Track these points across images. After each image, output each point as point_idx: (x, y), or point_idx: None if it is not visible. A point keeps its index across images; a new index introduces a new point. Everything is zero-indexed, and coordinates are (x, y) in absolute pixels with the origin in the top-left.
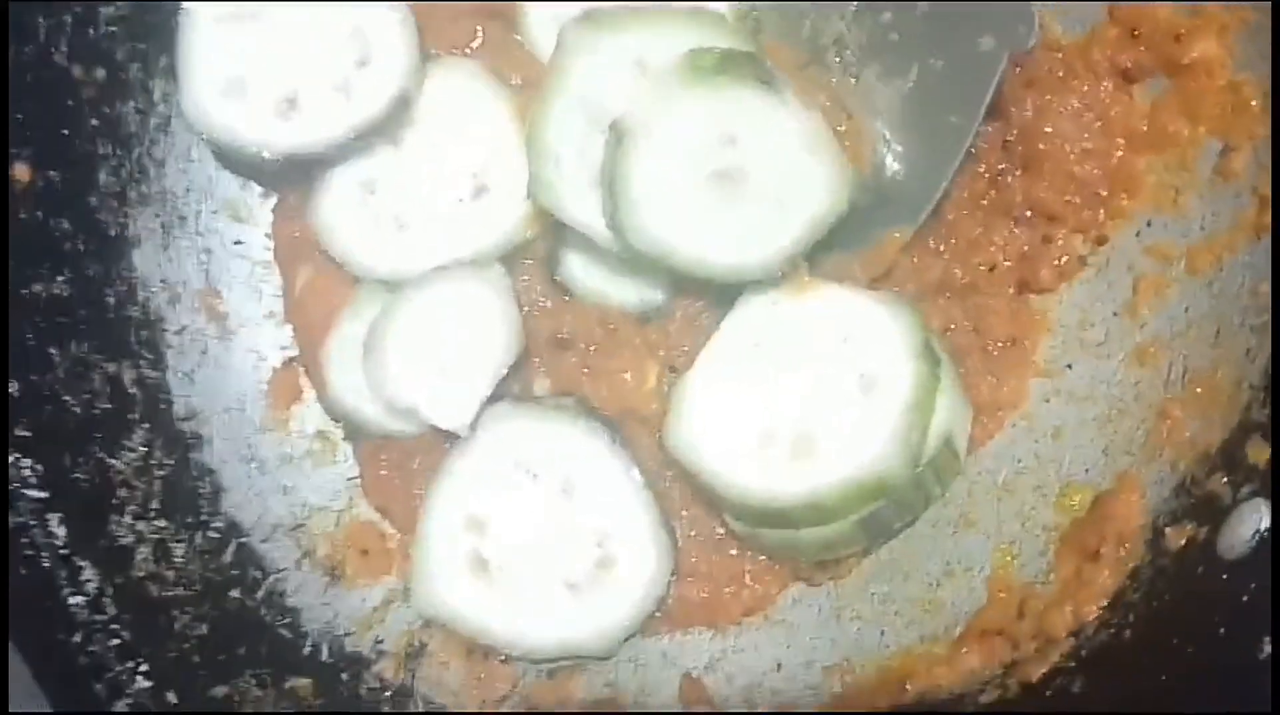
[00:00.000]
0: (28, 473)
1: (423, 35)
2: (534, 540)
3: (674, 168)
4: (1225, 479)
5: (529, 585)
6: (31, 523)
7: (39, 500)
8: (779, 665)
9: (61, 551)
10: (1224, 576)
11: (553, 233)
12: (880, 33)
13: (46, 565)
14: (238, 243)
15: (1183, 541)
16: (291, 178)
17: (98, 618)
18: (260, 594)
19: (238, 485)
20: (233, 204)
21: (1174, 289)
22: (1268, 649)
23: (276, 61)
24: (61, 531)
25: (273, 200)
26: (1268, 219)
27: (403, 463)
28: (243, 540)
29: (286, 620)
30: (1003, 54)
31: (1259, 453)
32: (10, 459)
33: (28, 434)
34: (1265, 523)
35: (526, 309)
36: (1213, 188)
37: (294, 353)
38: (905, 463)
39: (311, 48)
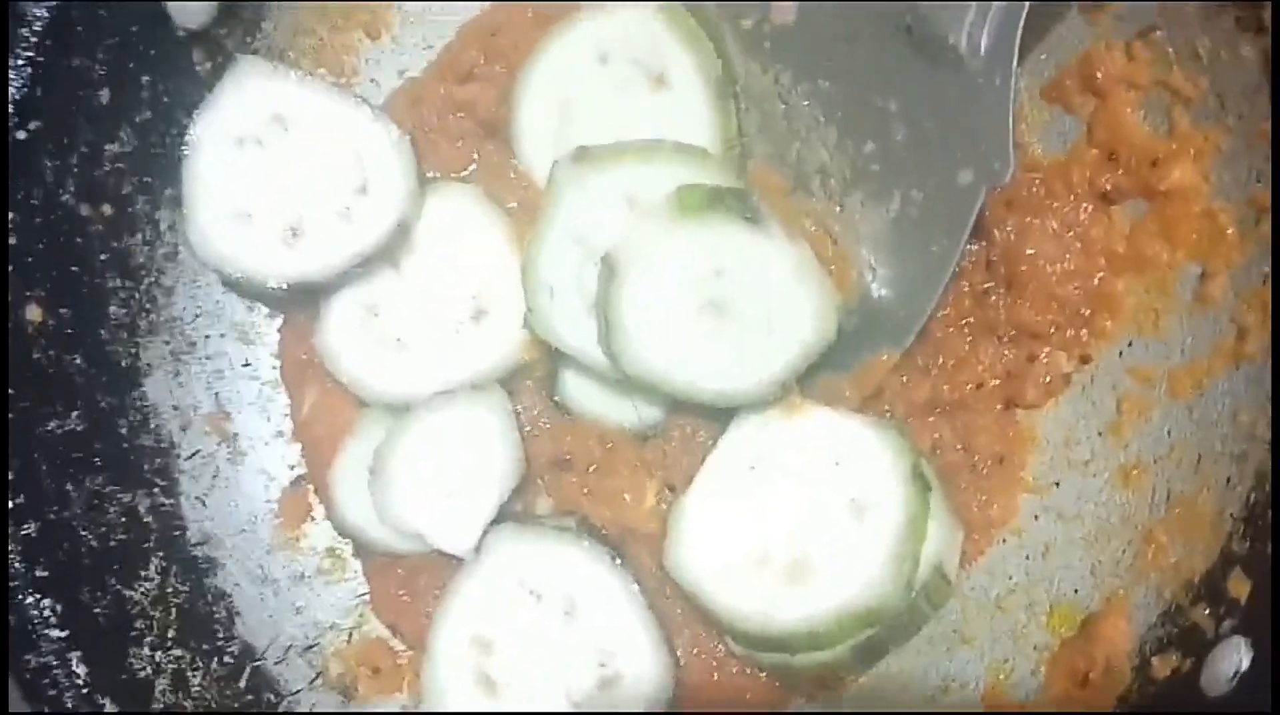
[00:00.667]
0: (48, 612)
1: (421, 160)
2: (538, 659)
3: (665, 299)
4: (1208, 611)
5: (535, 702)
6: (54, 664)
7: (60, 639)
8: None
9: (83, 690)
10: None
11: (551, 356)
12: (863, 162)
13: (70, 704)
14: (246, 364)
15: (1168, 672)
16: (297, 301)
17: None
18: None
19: (251, 608)
20: (240, 326)
21: (1157, 411)
22: None
23: (280, 189)
24: (82, 670)
25: (279, 321)
26: (1246, 348)
27: (410, 580)
28: (257, 663)
29: None
30: (981, 187)
31: (1240, 586)
32: (31, 599)
33: (47, 574)
34: (1245, 663)
35: (528, 429)
36: (1191, 312)
37: (303, 471)
38: (898, 590)
39: (314, 175)
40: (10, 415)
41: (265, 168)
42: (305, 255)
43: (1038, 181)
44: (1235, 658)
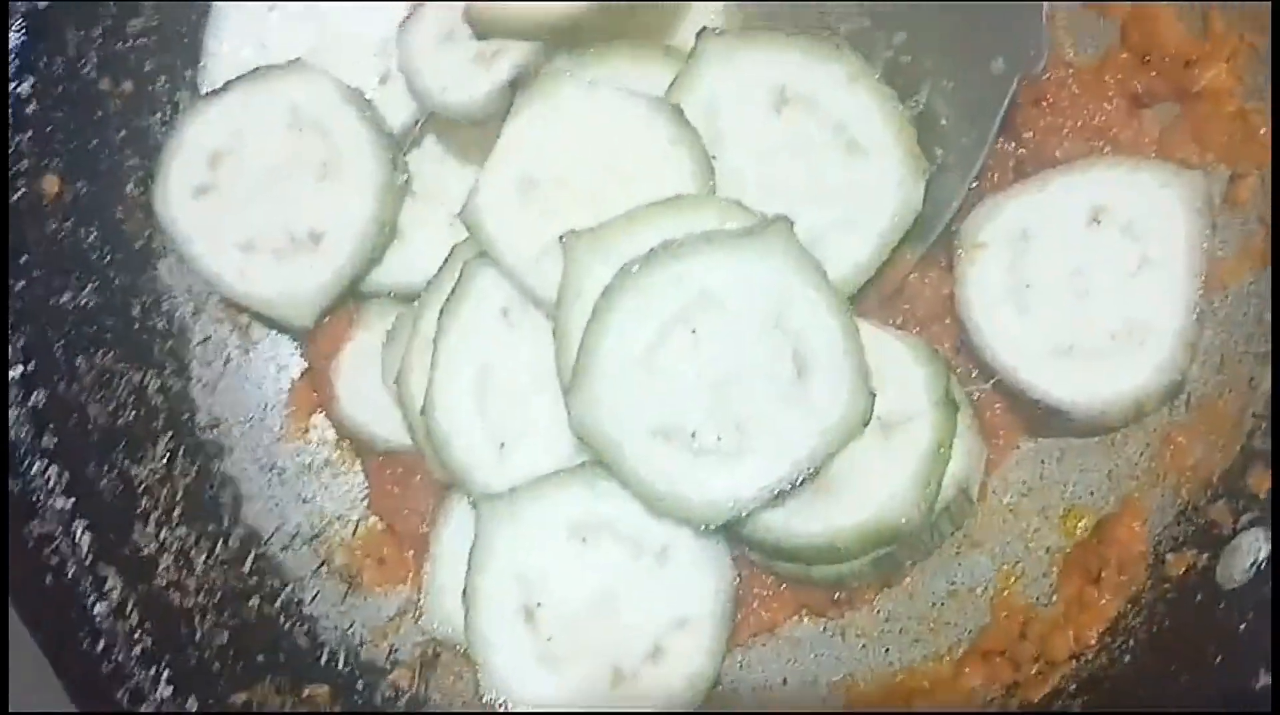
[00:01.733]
0: (53, 481)
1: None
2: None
3: None
4: (1227, 507)
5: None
6: (57, 531)
7: (64, 508)
8: (784, 680)
9: (86, 560)
10: (1222, 606)
11: None
12: (892, 55)
13: (72, 573)
14: None
15: (1183, 569)
16: None
17: (121, 625)
18: (279, 602)
19: (258, 494)
20: None
21: None
22: (1264, 679)
23: None
24: (86, 540)
25: None
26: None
27: (408, 477)
28: (262, 549)
29: (304, 628)
30: (1014, 77)
31: (1260, 481)
32: (37, 466)
33: (54, 441)
34: (1264, 553)
35: None
36: (1220, 215)
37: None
38: (921, 510)
39: None
40: (22, 282)
41: None
42: None
43: (1070, 80)
44: (1255, 548)
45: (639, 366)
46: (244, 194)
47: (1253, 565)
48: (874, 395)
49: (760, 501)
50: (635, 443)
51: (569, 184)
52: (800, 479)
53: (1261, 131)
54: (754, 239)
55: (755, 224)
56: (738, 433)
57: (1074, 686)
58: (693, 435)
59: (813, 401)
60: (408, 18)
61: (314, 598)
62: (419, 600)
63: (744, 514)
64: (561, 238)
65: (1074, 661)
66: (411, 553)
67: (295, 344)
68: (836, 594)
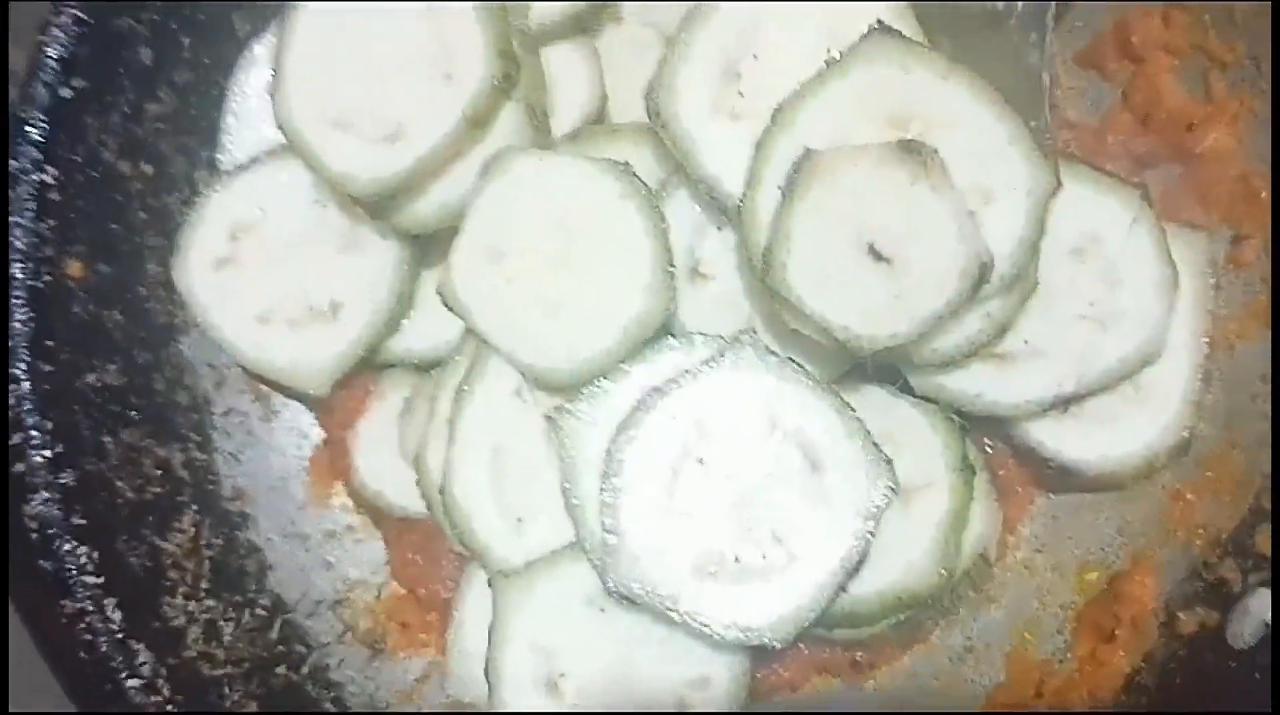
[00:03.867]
0: (84, 559)
1: None
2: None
3: None
4: (1235, 565)
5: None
6: (90, 609)
7: (96, 585)
8: None
9: (118, 635)
10: (1232, 665)
11: None
12: None
13: (104, 649)
14: None
15: (1194, 627)
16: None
17: (154, 699)
18: (305, 669)
19: (283, 562)
20: None
21: None
22: None
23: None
24: (117, 616)
25: None
26: None
27: (428, 545)
28: (288, 616)
29: (331, 695)
30: None
31: (1267, 541)
32: (68, 546)
33: (84, 521)
34: (1269, 615)
35: None
36: (1225, 275)
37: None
38: (941, 576)
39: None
40: (49, 366)
41: None
42: None
43: (1073, 143)
44: (1261, 609)
45: (663, 514)
46: (264, 265)
47: (1261, 626)
48: (890, 462)
49: (819, 607)
50: (684, 586)
51: (532, 250)
52: (849, 572)
53: (1263, 194)
54: (726, 357)
55: (721, 343)
56: (777, 543)
57: None
58: (736, 560)
59: (834, 491)
60: None
61: (339, 664)
62: (443, 664)
63: (807, 624)
64: (548, 418)
65: None
66: (434, 616)
67: (314, 414)
68: (857, 655)
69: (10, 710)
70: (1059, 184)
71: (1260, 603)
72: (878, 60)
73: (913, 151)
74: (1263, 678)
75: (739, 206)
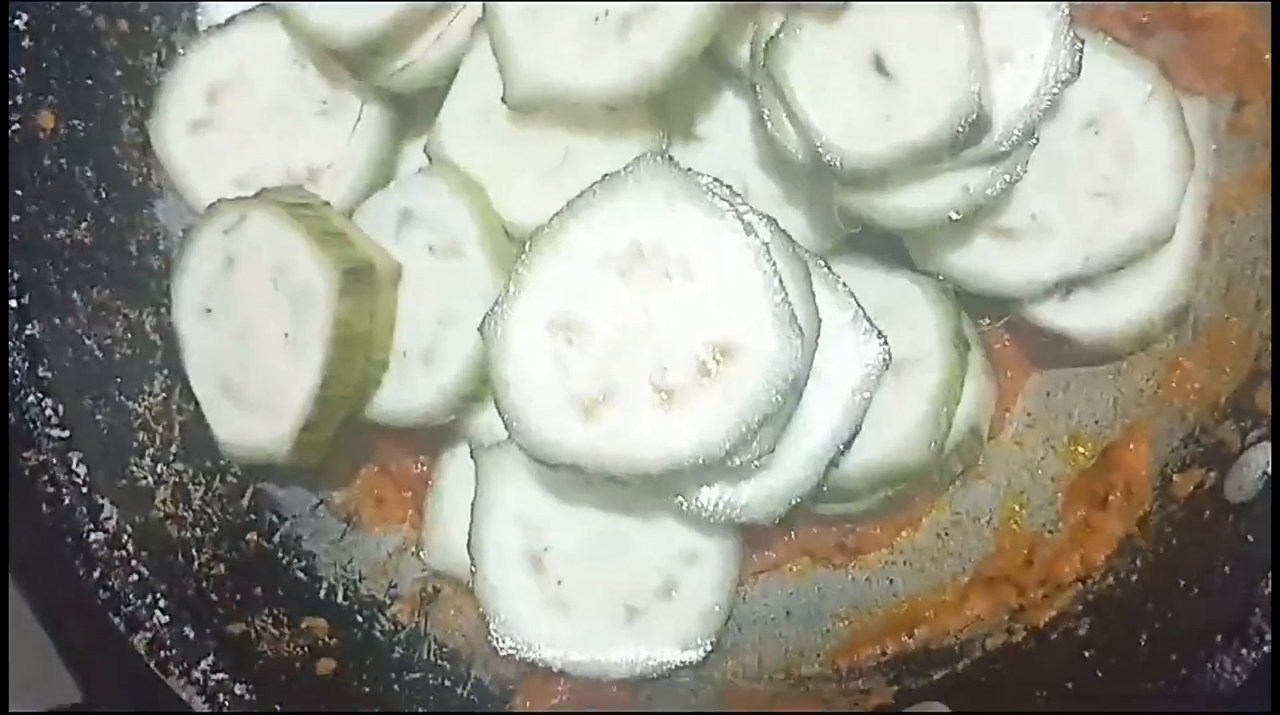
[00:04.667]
0: (49, 412)
1: None
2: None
3: None
4: (1234, 426)
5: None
6: (54, 461)
7: (61, 439)
8: (788, 612)
9: (82, 490)
10: (1230, 518)
11: None
12: None
13: (67, 502)
14: None
15: (1190, 487)
16: None
17: (117, 554)
18: (277, 537)
19: None
20: None
21: None
22: (1268, 589)
23: None
24: (82, 471)
25: None
26: None
27: None
28: (260, 485)
29: (302, 563)
30: None
31: (1267, 399)
32: (32, 398)
33: (49, 374)
34: (1270, 466)
35: None
36: (1226, 141)
37: None
38: (929, 450)
39: None
40: (18, 216)
41: None
42: None
43: (1075, 11)
44: (1263, 461)
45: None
46: (242, 129)
47: (1261, 477)
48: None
49: (810, 482)
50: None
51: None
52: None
53: (1266, 57)
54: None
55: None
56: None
57: (1080, 609)
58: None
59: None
60: None
61: (312, 535)
62: (418, 540)
63: (797, 500)
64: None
65: (1080, 585)
66: (409, 493)
67: None
68: (844, 538)
69: (10, 710)
70: (1078, 75)
71: (1259, 455)
72: None
73: None
74: (1260, 528)
75: None
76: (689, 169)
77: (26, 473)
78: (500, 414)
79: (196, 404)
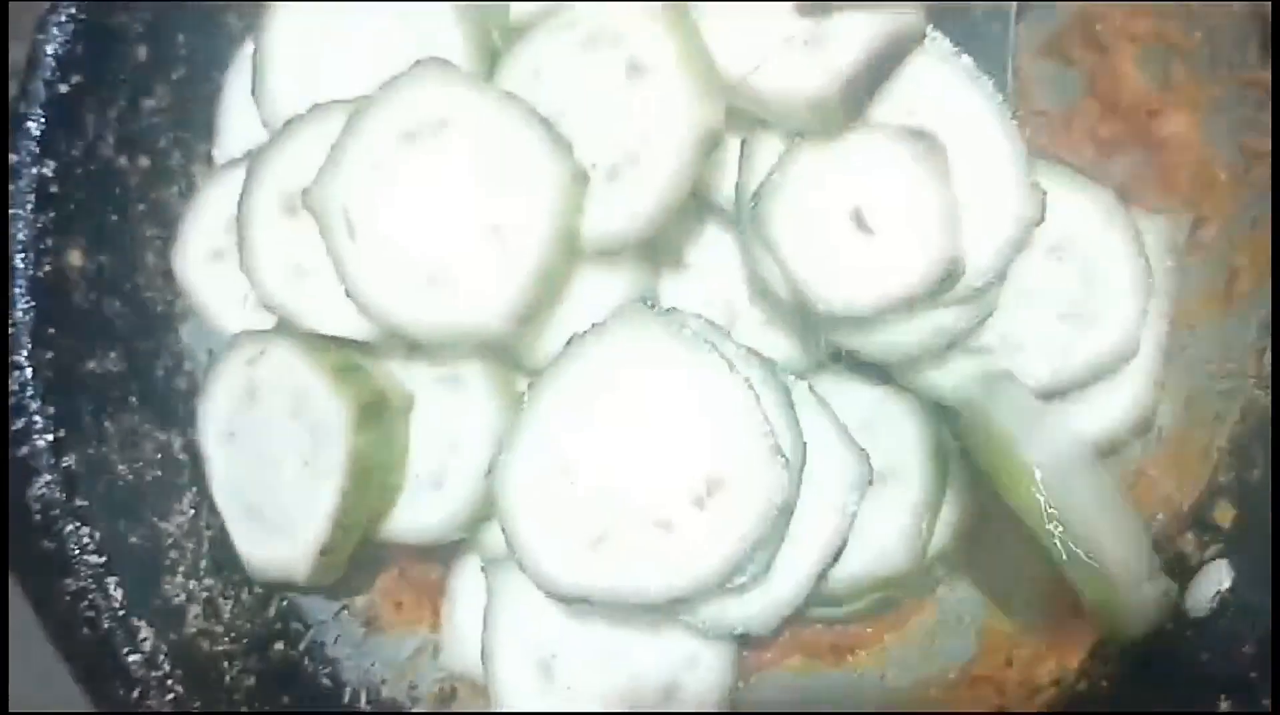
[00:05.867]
0: (87, 540)
1: None
2: None
3: None
4: (1194, 538)
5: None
6: (92, 587)
7: (97, 565)
8: (783, 709)
9: (119, 613)
10: (1188, 633)
11: None
12: None
13: (106, 626)
14: None
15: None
16: None
17: (154, 675)
18: (302, 646)
19: None
20: None
21: None
22: (1224, 705)
23: None
24: (119, 594)
25: None
26: (1237, 289)
27: None
28: (285, 595)
29: (327, 669)
30: None
31: (1225, 515)
32: (70, 527)
33: (85, 503)
34: (1226, 584)
35: None
36: (1185, 258)
37: None
38: (913, 559)
39: None
40: (51, 353)
41: None
42: None
43: (1041, 132)
44: (1217, 578)
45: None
46: None
47: (1215, 595)
48: (865, 453)
49: (800, 595)
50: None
51: None
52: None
53: (1222, 177)
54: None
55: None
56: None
57: (1057, 710)
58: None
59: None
60: None
61: (335, 640)
62: (436, 641)
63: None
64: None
65: (1055, 686)
66: (426, 596)
67: None
68: (834, 640)
69: (10, 710)
70: (1042, 217)
71: (1217, 571)
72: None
73: (920, 135)
74: (1216, 646)
75: (741, 146)
76: (671, 309)
77: (67, 599)
78: (511, 551)
79: (223, 520)
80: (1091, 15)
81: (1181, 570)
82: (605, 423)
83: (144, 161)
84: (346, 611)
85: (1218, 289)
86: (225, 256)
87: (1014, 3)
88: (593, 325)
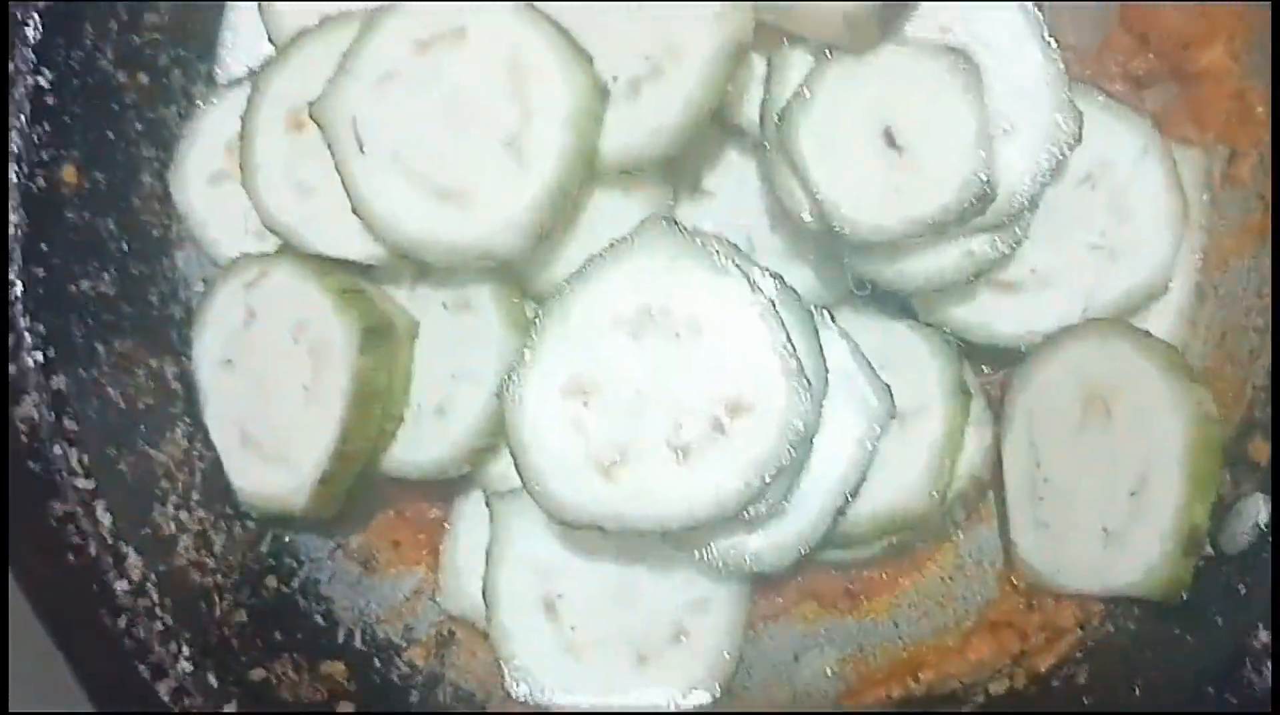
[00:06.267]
0: (74, 463)
1: None
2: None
3: None
4: (1228, 475)
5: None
6: (79, 511)
7: (85, 489)
8: (795, 656)
9: (107, 539)
10: (1223, 569)
11: None
12: None
13: (93, 552)
14: None
15: None
16: None
17: (142, 602)
18: (296, 582)
19: None
20: None
21: None
22: (1263, 638)
23: None
24: (107, 519)
25: None
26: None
27: None
28: (279, 531)
29: (321, 607)
30: None
31: (1260, 450)
32: (59, 449)
33: (74, 426)
34: (1264, 517)
35: None
36: (1220, 192)
37: None
38: (932, 498)
39: None
40: (42, 270)
41: None
42: None
43: (1073, 63)
44: (1254, 512)
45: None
46: None
47: (1253, 528)
48: (888, 387)
49: (818, 533)
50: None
51: None
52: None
53: (1259, 110)
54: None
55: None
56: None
57: (1080, 654)
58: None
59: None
60: None
61: (330, 579)
62: (434, 581)
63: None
64: None
65: (1080, 630)
66: (424, 535)
67: None
68: (848, 585)
69: (10, 710)
70: (1080, 139)
71: (1252, 506)
72: None
73: (954, 51)
74: (1252, 581)
75: (769, 63)
76: (693, 229)
77: (53, 522)
78: (521, 477)
79: (216, 452)
80: None
81: (1215, 508)
82: (621, 342)
83: (143, 78)
84: (341, 551)
85: (1253, 224)
86: (224, 180)
87: None
88: (612, 242)
